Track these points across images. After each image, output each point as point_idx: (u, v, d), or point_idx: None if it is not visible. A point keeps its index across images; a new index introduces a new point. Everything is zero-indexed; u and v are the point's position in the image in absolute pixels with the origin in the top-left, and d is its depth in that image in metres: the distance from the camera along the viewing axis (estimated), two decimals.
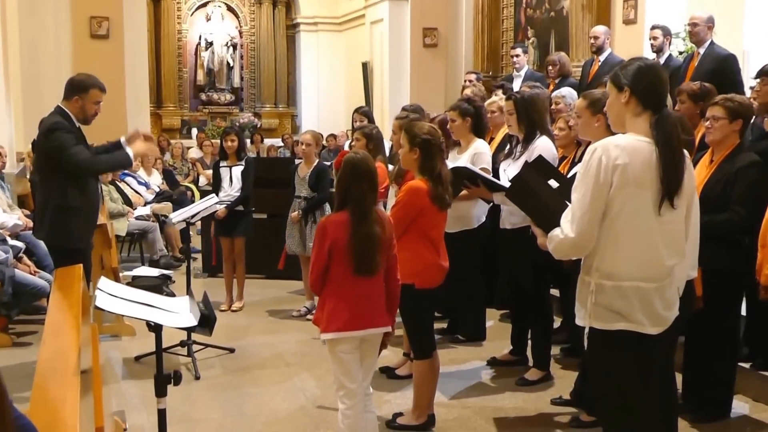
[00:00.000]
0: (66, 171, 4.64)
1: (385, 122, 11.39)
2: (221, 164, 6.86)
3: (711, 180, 4.08)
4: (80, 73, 5.01)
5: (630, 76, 2.86)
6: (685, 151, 2.94)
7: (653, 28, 7.32)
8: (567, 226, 2.85)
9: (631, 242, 2.82)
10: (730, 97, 4.19)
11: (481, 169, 4.97)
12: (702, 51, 6.61)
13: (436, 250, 4.09)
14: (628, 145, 2.80)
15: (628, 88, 2.85)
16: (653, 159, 2.78)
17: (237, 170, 6.74)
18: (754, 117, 5.09)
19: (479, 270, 5.76)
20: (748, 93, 6.10)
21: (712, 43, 6.63)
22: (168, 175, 10.92)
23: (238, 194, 6.70)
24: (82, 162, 4.64)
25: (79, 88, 4.74)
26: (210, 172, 8.54)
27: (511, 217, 4.87)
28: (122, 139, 4.88)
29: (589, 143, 4.13)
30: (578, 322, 2.95)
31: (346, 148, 8.00)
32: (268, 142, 15.08)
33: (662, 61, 7.19)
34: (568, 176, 3.84)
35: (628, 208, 2.80)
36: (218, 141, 7.57)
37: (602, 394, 3.00)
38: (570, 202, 2.90)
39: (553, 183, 3.31)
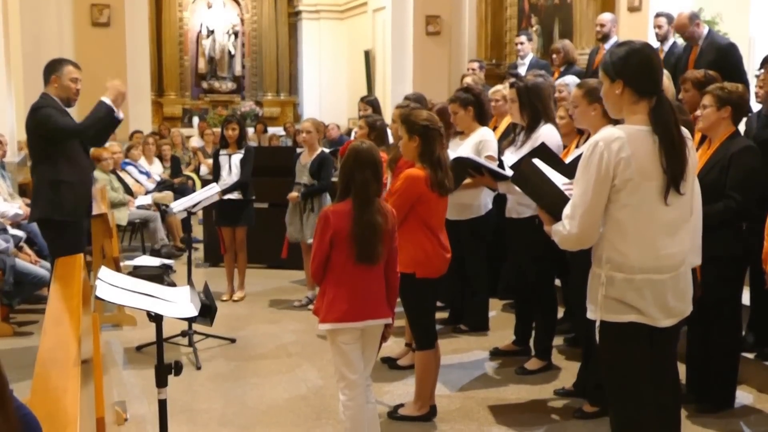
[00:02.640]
0: (56, 141, 4.70)
1: (387, 111, 11.34)
2: (221, 152, 6.82)
3: (706, 166, 4.09)
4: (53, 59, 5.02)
5: (619, 64, 2.81)
6: (688, 133, 2.90)
7: (657, 15, 7.27)
8: (569, 222, 2.83)
9: (639, 234, 2.79)
10: (721, 86, 4.21)
11: (487, 157, 4.94)
12: (701, 43, 6.55)
13: (436, 239, 4.06)
14: (630, 136, 2.76)
15: (620, 79, 2.81)
16: (655, 148, 2.76)
17: (236, 158, 6.70)
18: (761, 106, 5.06)
19: (484, 259, 5.74)
20: (752, 80, 6.07)
21: (710, 32, 6.57)
22: (174, 163, 10.86)
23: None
24: (68, 127, 4.72)
25: (52, 68, 4.83)
26: (211, 161, 8.52)
27: (518, 206, 4.85)
28: (102, 98, 4.84)
29: (589, 132, 4.11)
30: (589, 315, 2.92)
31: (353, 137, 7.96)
32: (270, 131, 15.03)
33: (666, 48, 7.14)
34: (568, 162, 3.82)
35: (634, 200, 2.77)
36: (219, 129, 7.52)
37: (612, 385, 2.97)
38: (572, 181, 2.88)
39: (553, 172, 3.29)
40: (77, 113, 5.01)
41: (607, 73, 2.86)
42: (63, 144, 4.75)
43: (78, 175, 4.83)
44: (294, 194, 6.48)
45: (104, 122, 4.73)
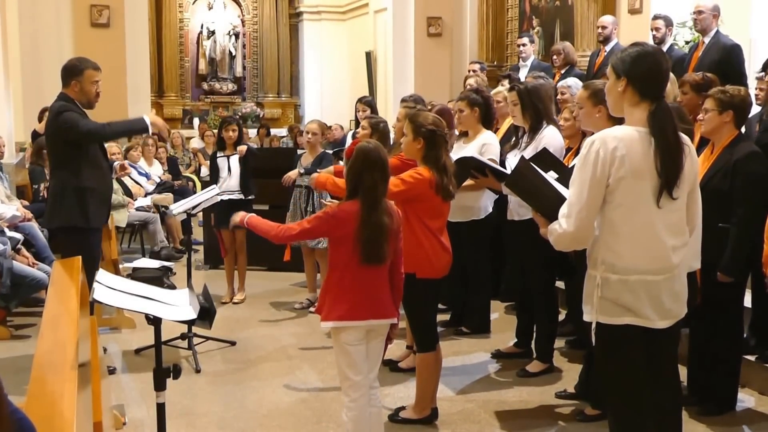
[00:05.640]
0: (81, 143, 4.67)
1: (388, 112, 11.32)
2: (218, 155, 6.79)
3: (709, 172, 4.09)
4: (72, 58, 4.98)
5: (628, 63, 2.83)
6: (688, 140, 2.90)
7: (655, 18, 7.24)
8: (565, 221, 2.83)
9: (633, 234, 2.80)
10: (723, 89, 4.21)
11: (489, 160, 4.91)
12: (707, 40, 6.54)
13: (437, 240, 4.04)
14: (626, 136, 2.78)
15: (625, 77, 2.82)
16: (651, 150, 2.76)
17: (235, 159, 6.68)
18: (761, 108, 5.04)
19: (486, 261, 5.72)
20: (752, 82, 6.04)
21: (717, 32, 6.56)
22: (171, 164, 10.85)
23: (237, 185, 6.62)
24: (94, 129, 4.68)
25: (74, 71, 4.78)
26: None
27: (519, 208, 4.83)
28: (145, 118, 4.92)
29: (593, 133, 4.09)
30: (585, 317, 2.91)
31: (349, 139, 7.94)
32: (272, 132, 14.99)
33: (664, 51, 7.11)
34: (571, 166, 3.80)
35: (628, 200, 2.78)
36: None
37: (609, 388, 2.97)
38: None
39: (553, 174, 3.27)
40: (91, 112, 4.96)
41: (614, 69, 2.88)
42: (86, 148, 4.72)
43: (99, 179, 4.79)
44: (293, 172, 6.42)
45: (131, 134, 4.75)
